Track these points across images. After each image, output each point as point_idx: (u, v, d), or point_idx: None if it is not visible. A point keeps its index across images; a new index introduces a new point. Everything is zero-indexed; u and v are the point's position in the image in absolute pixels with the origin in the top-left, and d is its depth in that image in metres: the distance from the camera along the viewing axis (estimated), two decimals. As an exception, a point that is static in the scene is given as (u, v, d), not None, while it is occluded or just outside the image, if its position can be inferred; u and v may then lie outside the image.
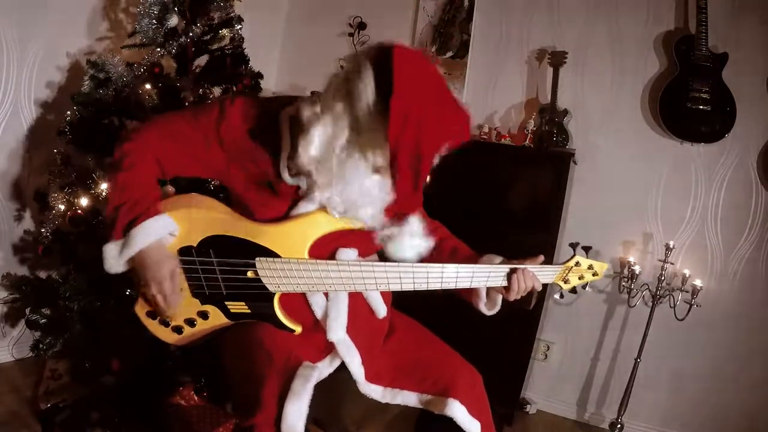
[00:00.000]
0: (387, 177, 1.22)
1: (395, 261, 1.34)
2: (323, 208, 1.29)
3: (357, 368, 1.36)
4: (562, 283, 1.48)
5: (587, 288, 1.50)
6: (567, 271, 1.46)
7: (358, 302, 1.38)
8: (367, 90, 1.12)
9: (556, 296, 1.53)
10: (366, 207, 1.25)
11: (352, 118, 1.15)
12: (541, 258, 1.43)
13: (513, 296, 1.41)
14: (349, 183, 1.21)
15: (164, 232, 1.29)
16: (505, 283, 1.41)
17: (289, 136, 1.27)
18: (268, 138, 1.29)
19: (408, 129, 1.08)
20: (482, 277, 1.39)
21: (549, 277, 1.46)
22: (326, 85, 1.23)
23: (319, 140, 1.18)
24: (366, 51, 1.18)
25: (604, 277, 2.72)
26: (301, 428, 1.11)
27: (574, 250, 1.46)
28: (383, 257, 1.43)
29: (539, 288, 1.42)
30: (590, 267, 1.47)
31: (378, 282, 1.34)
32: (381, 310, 1.42)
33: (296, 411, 1.11)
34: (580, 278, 1.48)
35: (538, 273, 1.42)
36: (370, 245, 1.38)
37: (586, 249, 1.50)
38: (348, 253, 1.35)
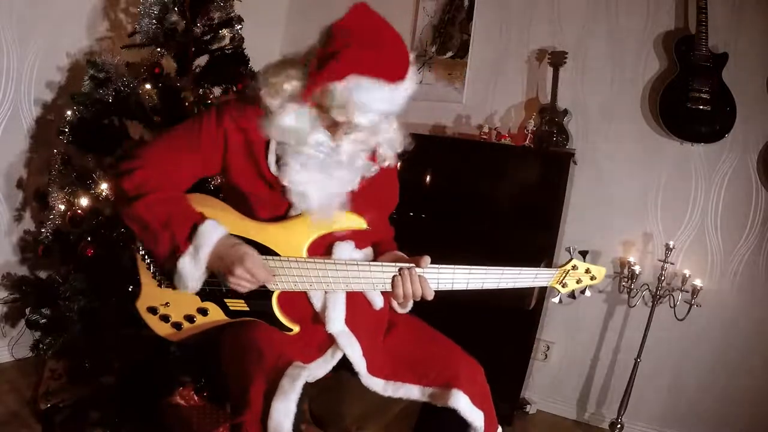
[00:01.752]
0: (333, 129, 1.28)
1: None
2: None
3: (358, 359, 1.36)
4: (559, 287, 1.43)
5: (587, 292, 1.46)
6: (564, 275, 1.42)
7: (355, 294, 1.38)
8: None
9: (555, 300, 1.49)
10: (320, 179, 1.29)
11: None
12: (428, 259, 1.32)
13: (400, 301, 1.35)
14: (302, 135, 1.27)
15: (224, 229, 1.29)
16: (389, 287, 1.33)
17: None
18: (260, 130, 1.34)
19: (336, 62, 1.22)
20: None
21: (545, 281, 1.42)
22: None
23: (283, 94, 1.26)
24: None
25: (605, 277, 2.73)
26: (288, 427, 1.11)
27: (571, 254, 1.43)
28: (377, 252, 1.45)
29: (429, 297, 1.31)
30: (587, 271, 1.44)
31: (375, 283, 1.34)
32: (378, 301, 1.42)
33: (282, 409, 1.11)
34: (578, 282, 1.44)
35: (536, 276, 1.38)
36: (365, 238, 1.42)
37: (584, 253, 1.45)
38: (345, 246, 1.37)
